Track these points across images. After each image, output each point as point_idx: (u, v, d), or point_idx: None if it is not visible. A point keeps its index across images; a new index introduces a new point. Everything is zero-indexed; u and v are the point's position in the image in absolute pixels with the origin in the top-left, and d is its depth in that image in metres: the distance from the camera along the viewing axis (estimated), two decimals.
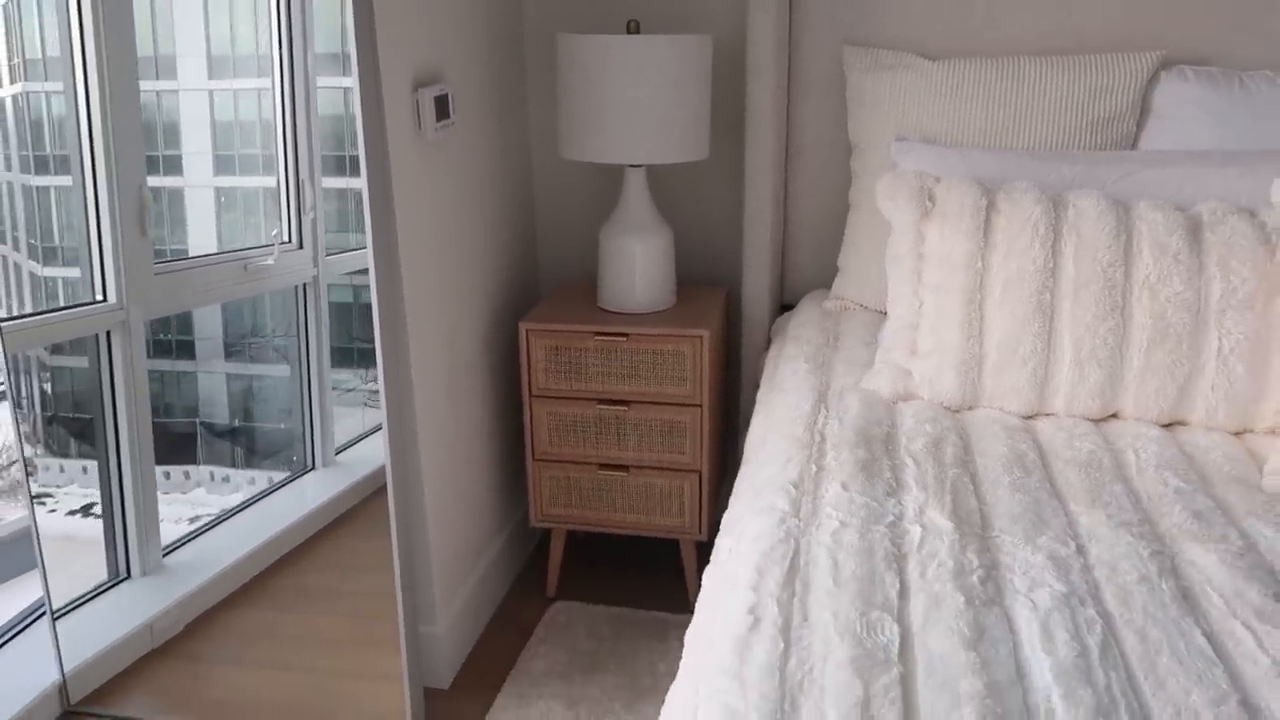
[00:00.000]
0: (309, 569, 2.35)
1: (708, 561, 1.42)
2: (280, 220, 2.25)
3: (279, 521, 2.39)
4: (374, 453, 2.08)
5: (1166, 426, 1.73)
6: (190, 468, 2.36)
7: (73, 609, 2.14)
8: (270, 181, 2.24)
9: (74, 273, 2.14)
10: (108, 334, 2.09)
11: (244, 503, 2.41)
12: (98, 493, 2.18)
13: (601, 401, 2.25)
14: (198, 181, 2.25)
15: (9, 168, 2.03)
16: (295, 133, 2.19)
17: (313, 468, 2.45)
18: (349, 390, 2.47)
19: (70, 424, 2.24)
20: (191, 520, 2.34)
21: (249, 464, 2.45)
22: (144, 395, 2.15)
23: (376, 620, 2.04)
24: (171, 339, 2.27)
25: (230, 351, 2.38)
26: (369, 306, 1.81)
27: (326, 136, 2.22)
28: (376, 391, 1.86)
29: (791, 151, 2.39)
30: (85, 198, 2.02)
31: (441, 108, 1.98)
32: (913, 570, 1.27)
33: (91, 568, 2.19)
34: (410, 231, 1.92)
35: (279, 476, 2.43)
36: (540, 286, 2.67)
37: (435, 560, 2.09)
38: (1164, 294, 1.67)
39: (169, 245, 2.20)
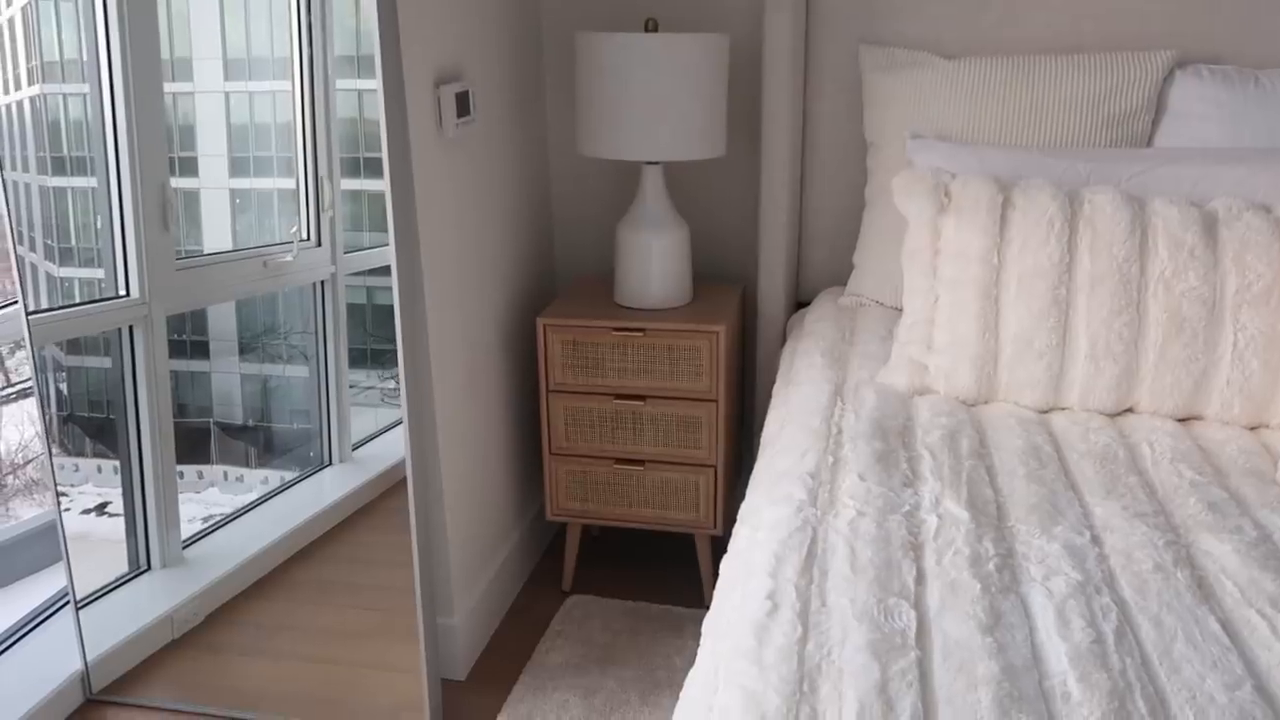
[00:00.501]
0: (327, 562, 2.37)
1: (723, 556, 1.44)
2: (299, 218, 2.27)
3: (297, 515, 2.41)
4: (390, 449, 2.10)
5: (1181, 421, 1.74)
6: (204, 467, 2.38)
7: (94, 600, 2.16)
8: (285, 183, 2.27)
9: (90, 273, 2.16)
10: (130, 329, 2.12)
11: (262, 497, 2.43)
12: (113, 491, 2.20)
13: (618, 396, 2.27)
14: (213, 183, 2.27)
15: (26, 169, 2.06)
16: (314, 131, 2.21)
17: (330, 463, 2.47)
18: (365, 389, 2.48)
19: (86, 423, 2.26)
20: (205, 520, 2.36)
21: (263, 464, 2.47)
22: (165, 387, 2.17)
23: (393, 613, 2.06)
24: (187, 339, 2.29)
25: (245, 351, 2.41)
26: (383, 307, 1.83)
27: (342, 139, 2.25)
28: (392, 389, 1.88)
29: (807, 149, 2.40)
30: (110, 194, 2.05)
31: (462, 105, 2.00)
32: (929, 558, 1.28)
33: (106, 566, 2.21)
34: (430, 227, 1.94)
35: (292, 476, 2.46)
36: (557, 282, 2.69)
37: (453, 553, 2.11)
38: (1179, 289, 1.68)
39: (185, 246, 2.23)
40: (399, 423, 1.90)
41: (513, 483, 2.46)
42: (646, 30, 2.13)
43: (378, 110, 1.75)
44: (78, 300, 2.19)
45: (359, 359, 2.40)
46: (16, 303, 1.93)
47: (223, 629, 2.25)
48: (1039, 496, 1.44)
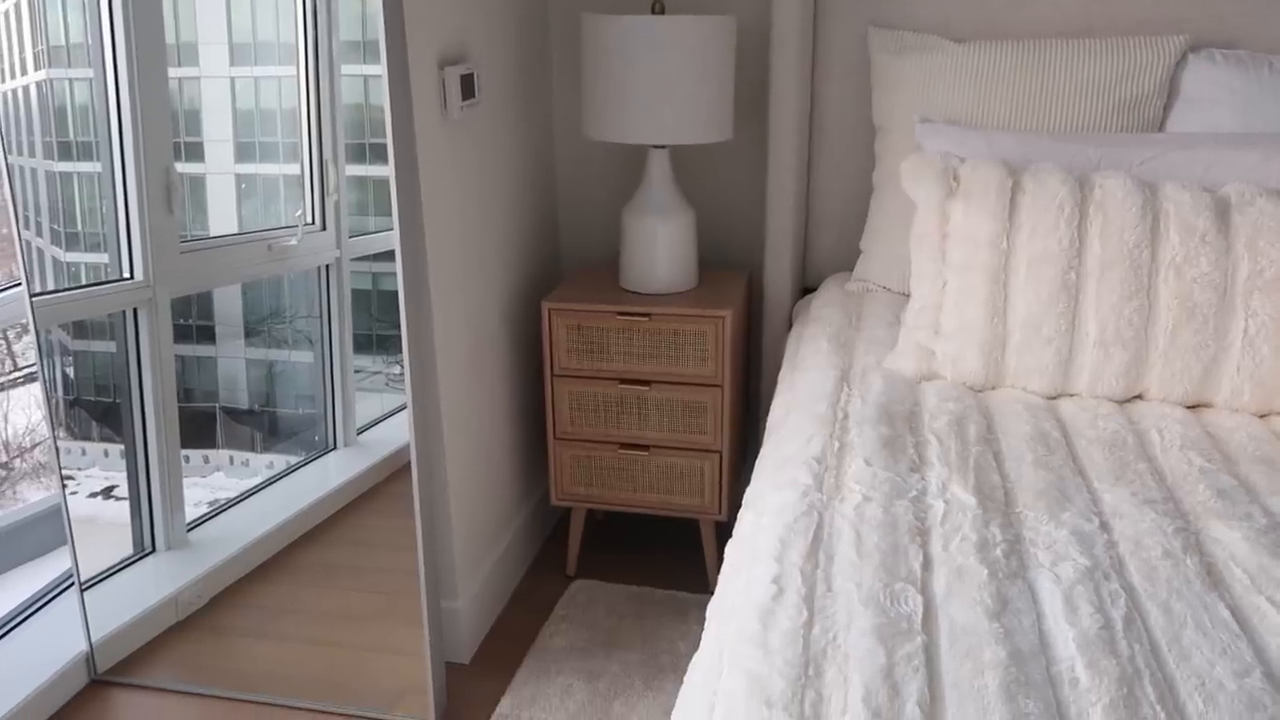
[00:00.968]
0: (331, 545, 2.37)
1: (728, 542, 1.43)
2: (304, 202, 2.27)
3: (302, 499, 2.42)
4: (395, 433, 2.09)
5: (1191, 408, 1.72)
6: (210, 451, 2.39)
7: (99, 582, 2.16)
8: (290, 169, 2.26)
9: (96, 258, 2.16)
10: (134, 311, 2.11)
11: (267, 480, 2.43)
12: (119, 475, 2.20)
13: (623, 381, 2.26)
14: (219, 168, 2.27)
15: (32, 154, 2.06)
16: (320, 116, 2.21)
17: (335, 447, 2.47)
18: (370, 374, 2.48)
19: (92, 407, 2.26)
20: (210, 504, 2.37)
21: (268, 448, 2.47)
22: (170, 371, 2.17)
23: (397, 596, 2.06)
24: (192, 324, 2.29)
25: (251, 335, 2.40)
26: (386, 293, 1.83)
27: (347, 124, 2.24)
28: (397, 374, 1.87)
29: (815, 133, 2.39)
30: (114, 178, 2.05)
31: (467, 87, 1.99)
32: (936, 543, 1.27)
33: (112, 550, 2.21)
34: (435, 209, 1.93)
35: (296, 460, 2.46)
36: (562, 266, 2.68)
37: (457, 537, 2.11)
38: (1190, 275, 1.66)
39: (191, 231, 2.23)
40: (403, 407, 1.89)
41: (517, 467, 2.45)
42: (653, 12, 2.11)
43: (382, 92, 1.73)
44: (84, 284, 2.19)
45: (364, 343, 2.39)
46: (20, 285, 1.93)
47: (227, 612, 2.25)
48: (1047, 482, 1.43)
